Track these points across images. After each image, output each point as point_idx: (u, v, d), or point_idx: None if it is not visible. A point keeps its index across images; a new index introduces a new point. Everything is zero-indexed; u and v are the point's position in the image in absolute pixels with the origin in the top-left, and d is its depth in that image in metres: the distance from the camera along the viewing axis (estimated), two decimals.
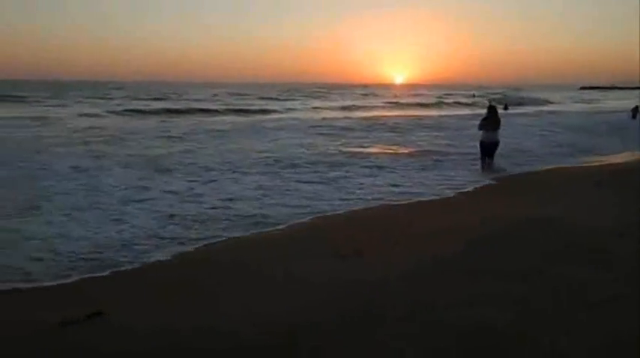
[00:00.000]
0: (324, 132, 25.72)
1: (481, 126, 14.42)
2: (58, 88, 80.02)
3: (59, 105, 43.96)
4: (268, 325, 4.73)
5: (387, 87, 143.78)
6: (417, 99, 63.92)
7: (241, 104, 48.40)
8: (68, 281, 6.34)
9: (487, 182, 12.76)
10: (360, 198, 10.79)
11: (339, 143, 20.66)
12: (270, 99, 60.27)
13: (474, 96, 74.54)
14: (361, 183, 12.44)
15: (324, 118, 35.94)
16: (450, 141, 21.45)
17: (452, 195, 11.17)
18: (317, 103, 53.98)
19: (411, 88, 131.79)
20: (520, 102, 58.63)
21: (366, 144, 20.47)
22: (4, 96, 51.32)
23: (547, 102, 64.21)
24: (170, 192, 11.29)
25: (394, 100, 60.91)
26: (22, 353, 4.41)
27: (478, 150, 14.61)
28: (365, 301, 5.22)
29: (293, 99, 60.93)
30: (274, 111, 43.54)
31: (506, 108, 42.37)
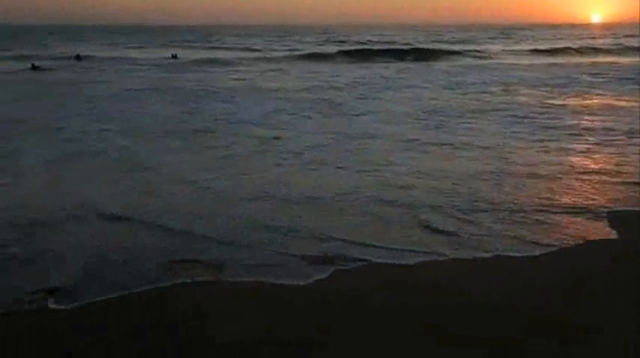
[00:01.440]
0: (533, 80, 22.73)
1: None
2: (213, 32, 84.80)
3: (247, 49, 46.32)
4: None
5: (582, 27, 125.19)
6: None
7: (427, 45, 46.05)
8: None
9: None
10: None
11: (559, 97, 17.38)
12: (449, 42, 56.34)
13: None
14: None
15: (520, 65, 32.44)
16: None
17: None
18: (502, 46, 48.74)
19: (610, 27, 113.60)
20: None
21: (607, 97, 16.95)
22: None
23: None
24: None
25: (609, 41, 51.10)
26: None
27: None
28: None
29: (473, 42, 56.13)
30: (457, 53, 40.23)
31: None
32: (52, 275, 4.98)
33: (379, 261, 5.32)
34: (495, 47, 47.73)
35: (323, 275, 5.03)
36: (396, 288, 4.78)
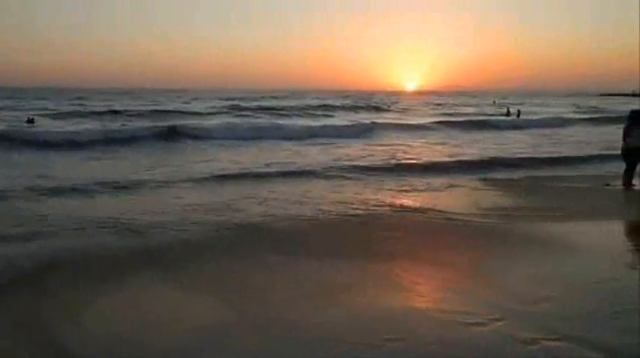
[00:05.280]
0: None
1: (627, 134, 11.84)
2: None
3: None
4: None
5: (399, 94, 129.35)
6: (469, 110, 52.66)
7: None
8: None
9: None
10: None
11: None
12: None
13: (494, 103, 72.15)
14: None
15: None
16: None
17: None
18: (366, 115, 42.40)
19: (424, 95, 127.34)
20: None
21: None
22: None
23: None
24: None
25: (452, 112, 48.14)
26: None
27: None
28: None
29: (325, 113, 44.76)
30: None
31: (518, 114, 42.45)
32: None
33: None
34: (360, 116, 41.73)
35: None
36: None
